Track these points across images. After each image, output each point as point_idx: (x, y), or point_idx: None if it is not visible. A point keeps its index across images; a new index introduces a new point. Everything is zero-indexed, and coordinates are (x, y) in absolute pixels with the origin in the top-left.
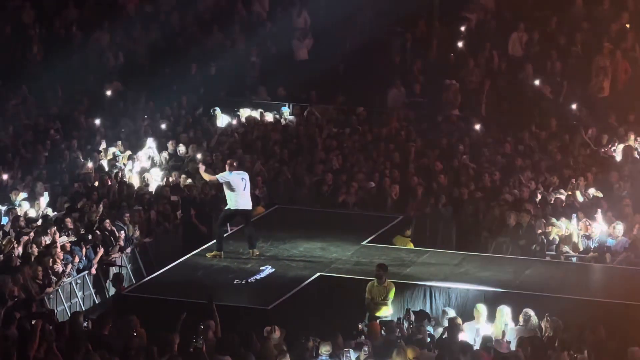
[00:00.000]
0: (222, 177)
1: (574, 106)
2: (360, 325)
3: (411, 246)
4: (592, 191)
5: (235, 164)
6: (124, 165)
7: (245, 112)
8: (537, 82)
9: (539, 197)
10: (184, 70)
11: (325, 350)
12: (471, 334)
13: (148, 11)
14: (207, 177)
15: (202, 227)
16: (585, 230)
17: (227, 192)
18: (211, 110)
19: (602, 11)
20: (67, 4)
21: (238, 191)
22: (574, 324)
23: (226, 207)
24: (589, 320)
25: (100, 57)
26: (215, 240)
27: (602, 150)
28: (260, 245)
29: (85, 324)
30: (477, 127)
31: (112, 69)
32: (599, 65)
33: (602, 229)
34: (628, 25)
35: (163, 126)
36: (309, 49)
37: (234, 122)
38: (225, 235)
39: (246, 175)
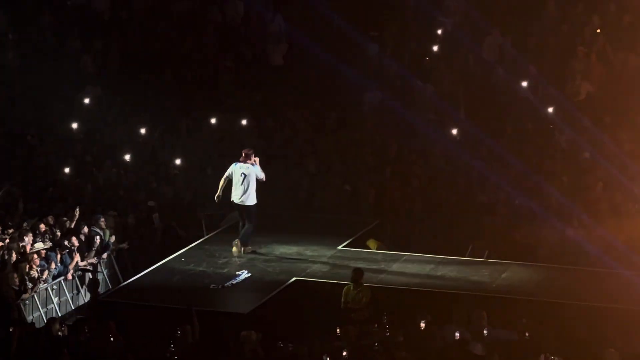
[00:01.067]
0: (229, 169)
1: (550, 109)
2: (337, 330)
3: (384, 249)
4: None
5: (243, 154)
6: (99, 171)
7: (220, 117)
8: (524, 84)
9: (515, 200)
10: (159, 75)
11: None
12: (448, 334)
13: (122, 16)
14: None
15: (181, 231)
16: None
17: None
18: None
19: (575, 14)
20: (42, 11)
21: (235, 184)
22: (551, 326)
23: None
24: (565, 323)
25: (75, 63)
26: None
27: (578, 153)
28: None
29: (61, 330)
30: (454, 131)
31: (87, 75)
32: (573, 68)
33: (578, 233)
34: (599, 30)
35: (141, 131)
36: (283, 53)
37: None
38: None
39: (248, 170)
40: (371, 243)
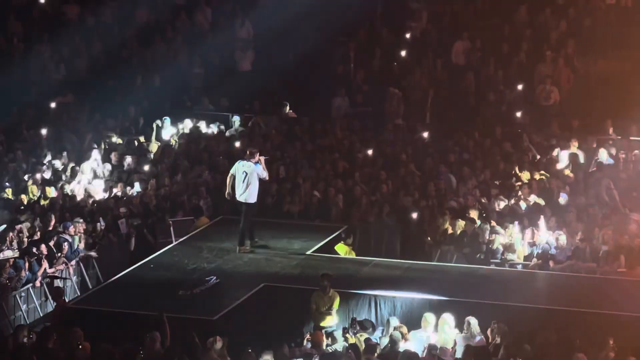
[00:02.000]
0: (233, 167)
1: (518, 114)
2: (307, 335)
3: (352, 254)
4: (533, 198)
5: (249, 152)
6: (68, 177)
7: (189, 124)
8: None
9: (483, 204)
10: (127, 81)
11: (266, 359)
12: (419, 342)
13: (90, 23)
14: None
15: (151, 237)
16: (530, 237)
17: None
18: (158, 122)
19: (544, 19)
20: (9, 17)
21: (238, 182)
22: (519, 331)
23: None
24: (533, 327)
25: (42, 70)
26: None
27: (546, 157)
28: (206, 255)
29: (29, 338)
30: (425, 135)
31: (55, 82)
32: (542, 73)
33: (546, 237)
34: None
35: (112, 138)
36: (252, 59)
37: (178, 133)
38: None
39: (250, 168)
40: (340, 248)
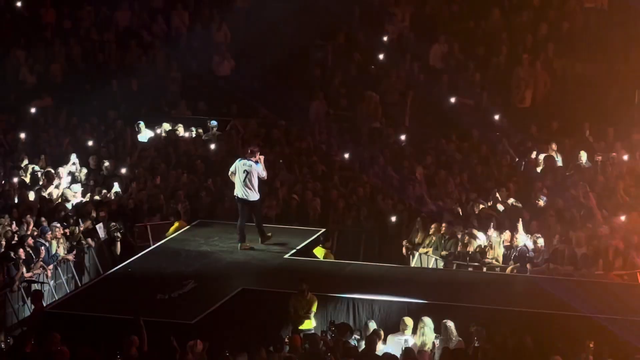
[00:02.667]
0: (234, 164)
1: (496, 117)
2: (285, 339)
3: (331, 257)
4: (512, 201)
5: (249, 151)
6: (45, 181)
7: (166, 127)
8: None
9: (462, 208)
10: (105, 85)
11: None
12: (397, 346)
13: (66, 27)
14: None
15: (133, 240)
16: (508, 240)
17: None
18: (135, 126)
19: (521, 22)
20: None
21: (238, 179)
22: (497, 334)
23: None
24: (511, 330)
25: (19, 74)
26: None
27: (524, 160)
28: (184, 259)
29: (6, 342)
30: (402, 137)
31: (31, 85)
32: (519, 76)
33: (524, 240)
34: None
35: (88, 142)
36: (229, 63)
37: (155, 136)
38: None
39: (251, 167)
40: (318, 252)
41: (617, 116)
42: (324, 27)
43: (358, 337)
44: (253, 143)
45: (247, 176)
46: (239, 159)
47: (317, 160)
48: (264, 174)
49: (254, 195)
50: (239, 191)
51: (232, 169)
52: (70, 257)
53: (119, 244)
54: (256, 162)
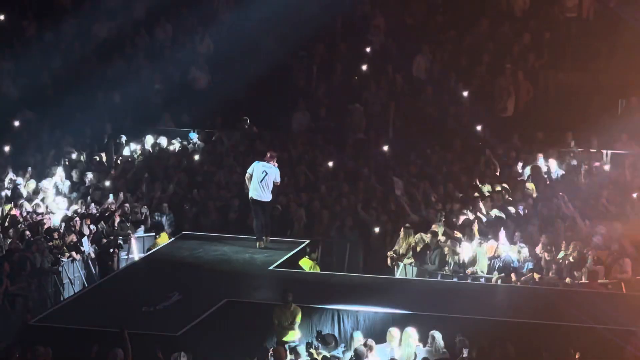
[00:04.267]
0: (251, 166)
1: (478, 127)
2: (270, 350)
3: (317, 268)
4: (495, 212)
5: (268, 154)
6: (30, 194)
7: (150, 140)
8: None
9: (445, 218)
10: (87, 98)
11: None
12: (383, 356)
13: (48, 39)
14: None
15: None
16: (491, 251)
17: None
18: (118, 139)
19: (503, 32)
20: None
21: (255, 181)
22: (482, 344)
23: None
24: (496, 340)
25: (1, 86)
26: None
27: (508, 170)
28: (168, 271)
29: None
30: (385, 148)
31: (14, 98)
32: (501, 86)
33: (507, 249)
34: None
35: (72, 155)
36: (211, 75)
37: (139, 149)
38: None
39: (270, 170)
40: (304, 263)
41: (600, 125)
42: (306, 38)
43: (344, 348)
44: (271, 149)
45: (265, 177)
46: (256, 161)
47: (300, 171)
48: (279, 179)
49: (268, 196)
50: (253, 192)
51: (249, 170)
52: (55, 269)
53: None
54: (275, 165)
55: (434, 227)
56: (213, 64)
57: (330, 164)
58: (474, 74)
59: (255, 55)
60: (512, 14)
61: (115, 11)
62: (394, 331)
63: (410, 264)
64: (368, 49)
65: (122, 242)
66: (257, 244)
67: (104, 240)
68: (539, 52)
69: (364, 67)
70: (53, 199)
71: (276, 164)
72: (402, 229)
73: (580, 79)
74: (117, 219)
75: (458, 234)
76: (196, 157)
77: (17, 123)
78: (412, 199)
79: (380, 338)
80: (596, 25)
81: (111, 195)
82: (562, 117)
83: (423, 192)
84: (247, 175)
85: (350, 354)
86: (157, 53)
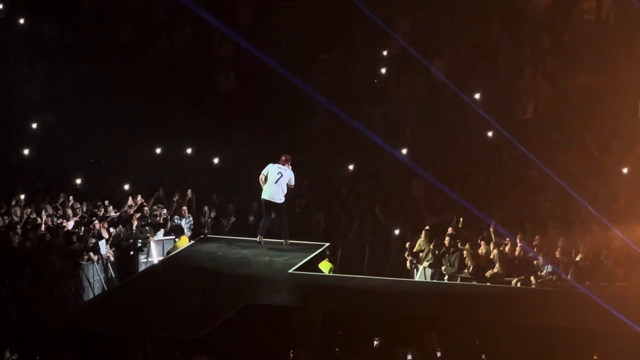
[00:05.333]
0: (265, 168)
1: (498, 129)
2: (289, 353)
3: (336, 271)
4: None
5: (283, 158)
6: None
7: (169, 143)
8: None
9: (464, 221)
10: (108, 101)
11: None
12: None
13: (69, 42)
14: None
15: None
16: (511, 253)
17: None
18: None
19: (522, 34)
20: None
21: (269, 182)
22: (501, 347)
23: None
24: (515, 344)
25: (21, 90)
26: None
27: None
28: (188, 274)
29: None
30: (404, 151)
31: (34, 102)
32: (520, 88)
33: (526, 252)
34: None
35: (92, 159)
36: (232, 78)
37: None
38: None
39: (286, 172)
40: (324, 266)
41: (620, 128)
42: (325, 41)
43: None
44: (286, 153)
45: (280, 178)
46: (271, 163)
47: (320, 173)
48: (293, 182)
49: (281, 198)
50: (266, 193)
51: (264, 172)
52: (74, 272)
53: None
54: (289, 168)
55: (452, 230)
56: (232, 67)
57: (351, 167)
58: (493, 76)
59: (273, 58)
60: (531, 16)
61: (135, 14)
62: (412, 334)
63: (430, 266)
64: (386, 52)
65: (141, 246)
66: (258, 237)
67: (123, 243)
68: (558, 54)
69: (383, 70)
70: (72, 203)
71: (290, 167)
72: (423, 232)
73: (599, 81)
74: (135, 222)
75: (476, 237)
76: (215, 161)
77: (35, 126)
78: (431, 201)
79: (400, 341)
80: (615, 27)
81: (130, 198)
82: (582, 119)
83: (442, 194)
84: (262, 176)
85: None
86: (176, 56)
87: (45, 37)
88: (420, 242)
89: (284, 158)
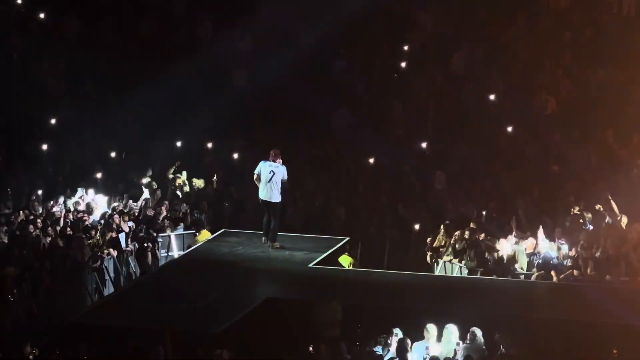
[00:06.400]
0: (258, 167)
1: (518, 124)
2: (309, 348)
3: (357, 265)
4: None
5: (273, 154)
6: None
7: (188, 137)
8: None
9: (485, 215)
10: (127, 95)
11: None
12: (420, 353)
13: (90, 38)
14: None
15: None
16: (530, 248)
17: None
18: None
19: (544, 29)
20: (9, 32)
21: (263, 182)
22: (521, 341)
23: None
24: (536, 338)
25: (42, 85)
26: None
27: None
28: (208, 268)
29: (32, 353)
30: (424, 145)
31: (54, 97)
32: (541, 83)
33: (547, 246)
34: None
35: (111, 153)
36: (250, 72)
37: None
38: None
39: (277, 169)
40: (344, 260)
41: None
42: (346, 36)
43: (382, 345)
44: (276, 147)
45: (273, 177)
46: (262, 161)
47: (340, 168)
48: (287, 177)
49: (277, 197)
50: (262, 193)
51: (256, 171)
52: (96, 266)
53: (150, 254)
54: (281, 164)
55: (473, 224)
56: (252, 61)
57: (371, 160)
58: (514, 71)
59: (295, 52)
60: (553, 10)
61: (154, 8)
62: (430, 327)
63: (450, 260)
64: (407, 47)
65: (160, 239)
66: (263, 238)
67: (142, 236)
68: (578, 49)
69: (404, 65)
70: (93, 197)
71: (280, 161)
72: (442, 226)
73: (620, 76)
74: (165, 213)
75: (497, 231)
76: (235, 156)
77: (54, 120)
78: (452, 195)
79: (420, 335)
80: (636, 22)
81: (146, 191)
82: (602, 114)
83: (463, 188)
84: (255, 175)
85: (388, 350)
86: (196, 50)
87: (65, 32)
88: (440, 236)
89: (273, 153)
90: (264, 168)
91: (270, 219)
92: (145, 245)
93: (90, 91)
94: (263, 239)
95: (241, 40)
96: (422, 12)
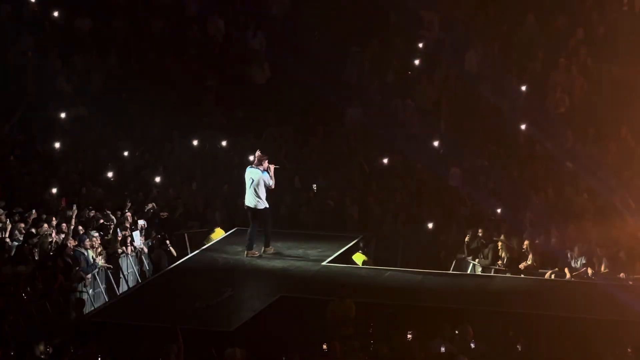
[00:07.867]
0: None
1: (531, 122)
2: (323, 345)
3: (370, 263)
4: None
5: (257, 155)
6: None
7: (202, 136)
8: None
9: (499, 213)
10: (140, 94)
11: None
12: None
13: (102, 36)
14: None
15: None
16: (545, 245)
17: None
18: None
19: (557, 27)
20: (22, 30)
21: (246, 188)
22: (535, 339)
23: None
24: (553, 336)
25: (55, 83)
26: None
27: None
28: (222, 266)
29: (46, 352)
30: (436, 143)
31: (67, 95)
32: (554, 81)
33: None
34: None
35: (124, 152)
36: (265, 71)
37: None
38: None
39: (256, 175)
40: (358, 258)
41: None
42: (359, 34)
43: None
44: (261, 151)
45: (252, 183)
46: (248, 167)
47: (353, 166)
48: (270, 182)
49: (261, 204)
50: (246, 199)
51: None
52: (109, 265)
53: (163, 252)
54: (263, 170)
55: (487, 222)
56: (265, 60)
57: (385, 160)
58: (527, 68)
59: (307, 50)
60: (566, 8)
61: (168, 7)
62: (445, 326)
63: (464, 259)
64: (421, 45)
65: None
66: (245, 252)
67: (154, 234)
68: (592, 46)
69: (417, 62)
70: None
71: (269, 167)
72: (455, 224)
73: (634, 73)
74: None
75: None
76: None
77: (68, 119)
78: (465, 193)
79: (433, 333)
80: None
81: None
82: (617, 111)
83: (476, 186)
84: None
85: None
86: (209, 49)
87: (78, 31)
88: (456, 233)
89: (256, 157)
90: (246, 174)
91: (254, 229)
92: (159, 243)
93: (102, 90)
94: (245, 252)
95: (254, 39)
96: (435, 9)
